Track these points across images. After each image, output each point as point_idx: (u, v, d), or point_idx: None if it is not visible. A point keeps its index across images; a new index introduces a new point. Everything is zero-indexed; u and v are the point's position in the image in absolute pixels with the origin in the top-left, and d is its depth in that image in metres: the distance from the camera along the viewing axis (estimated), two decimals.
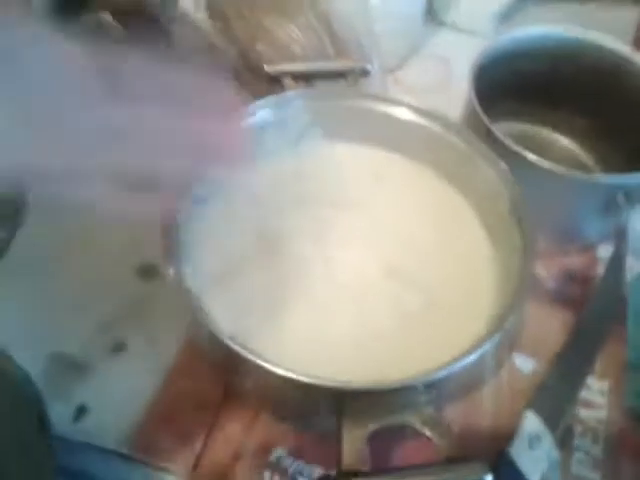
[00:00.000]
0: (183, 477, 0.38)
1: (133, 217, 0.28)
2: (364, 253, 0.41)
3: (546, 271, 0.48)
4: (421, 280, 0.40)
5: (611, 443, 0.40)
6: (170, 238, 0.36)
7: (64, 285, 0.45)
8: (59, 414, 0.34)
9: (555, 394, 0.40)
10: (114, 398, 0.40)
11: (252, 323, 0.36)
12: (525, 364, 0.43)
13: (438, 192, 0.45)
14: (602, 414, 0.41)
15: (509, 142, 0.42)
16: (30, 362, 0.33)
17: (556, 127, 0.56)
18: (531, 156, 0.42)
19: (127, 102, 0.26)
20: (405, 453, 0.37)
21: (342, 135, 0.46)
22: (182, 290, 0.34)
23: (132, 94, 0.26)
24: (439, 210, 0.44)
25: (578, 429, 0.41)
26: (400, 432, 0.33)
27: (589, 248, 0.50)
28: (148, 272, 0.46)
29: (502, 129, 0.43)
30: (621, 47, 0.49)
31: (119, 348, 0.43)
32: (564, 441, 0.39)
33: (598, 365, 0.43)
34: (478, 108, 0.44)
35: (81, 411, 0.40)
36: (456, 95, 0.48)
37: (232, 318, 0.35)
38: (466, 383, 0.40)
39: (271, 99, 0.44)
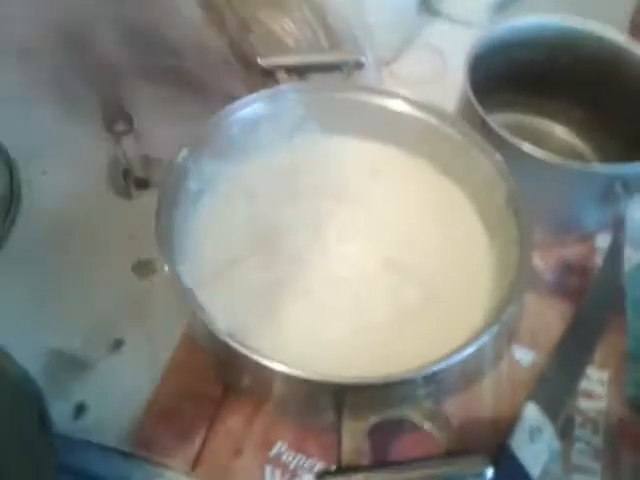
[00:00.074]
0: (184, 473, 0.38)
1: None
2: (361, 247, 0.41)
3: (544, 262, 0.48)
4: (419, 273, 0.40)
5: (611, 433, 0.40)
6: (165, 234, 0.36)
7: (61, 282, 0.45)
8: (58, 412, 0.34)
9: (555, 385, 0.40)
10: (113, 395, 0.40)
11: (250, 319, 0.36)
12: (524, 356, 0.43)
13: (434, 185, 0.45)
14: (602, 404, 0.41)
15: (504, 133, 0.42)
16: (28, 360, 0.33)
17: (552, 117, 0.56)
18: (527, 147, 0.42)
19: None
20: (405, 447, 0.37)
21: (337, 128, 0.46)
22: (178, 287, 0.34)
23: None
24: (435, 203, 0.44)
25: (578, 420, 0.41)
26: (399, 426, 0.33)
27: (587, 238, 0.49)
28: (145, 268, 0.46)
29: (497, 120, 0.43)
30: (619, 36, 0.49)
31: (118, 345, 0.42)
32: (564, 432, 0.39)
33: (598, 355, 0.43)
34: (473, 99, 0.44)
35: (80, 409, 0.40)
36: (451, 86, 0.48)
37: (230, 314, 0.35)
38: (465, 376, 0.40)
39: (265, 92, 0.44)
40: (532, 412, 0.38)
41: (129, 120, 0.53)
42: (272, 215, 0.42)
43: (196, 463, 0.38)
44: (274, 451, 0.39)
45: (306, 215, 0.42)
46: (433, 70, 0.61)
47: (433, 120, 0.44)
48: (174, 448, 0.38)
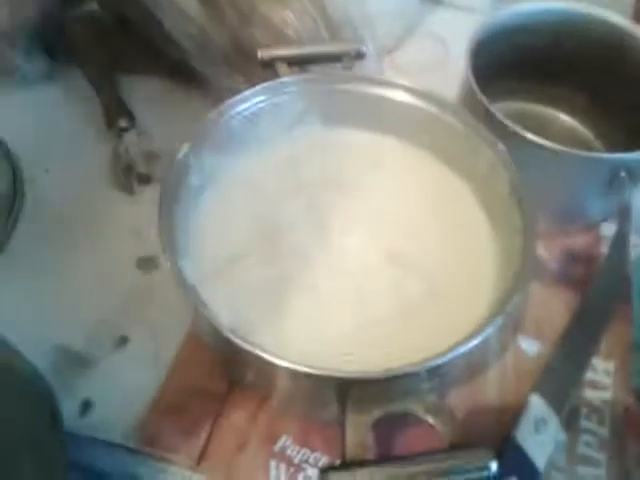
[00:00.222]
0: (189, 468, 0.38)
1: None
2: (363, 240, 0.41)
3: (548, 252, 0.47)
4: (422, 266, 0.40)
5: (617, 424, 0.40)
6: (167, 231, 0.36)
7: (65, 279, 0.45)
8: (65, 409, 0.35)
9: (560, 376, 0.40)
10: (119, 392, 0.40)
11: (253, 315, 0.36)
12: (530, 346, 0.43)
13: (437, 175, 0.44)
14: (608, 395, 0.41)
15: (508, 121, 0.42)
16: (34, 357, 0.33)
17: (555, 104, 0.55)
18: (530, 135, 0.41)
19: None
20: (409, 440, 0.37)
21: (338, 120, 0.46)
22: (180, 284, 0.33)
23: None
24: (438, 194, 0.44)
25: (584, 410, 0.40)
26: (403, 420, 0.33)
27: (591, 227, 0.49)
28: (149, 264, 0.46)
29: (500, 108, 0.43)
30: (624, 21, 0.48)
31: (122, 342, 0.43)
32: (570, 423, 0.39)
33: (603, 345, 0.43)
34: (475, 87, 0.43)
35: (86, 405, 0.40)
36: (453, 74, 0.47)
37: (233, 310, 0.35)
38: (470, 368, 0.40)
39: (265, 85, 0.43)
40: (537, 403, 0.37)
41: (131, 116, 0.52)
42: (274, 209, 0.42)
43: (201, 458, 0.38)
44: (279, 445, 0.39)
45: (308, 208, 0.42)
46: (435, 58, 0.61)
47: (434, 110, 0.44)
48: (179, 444, 0.38)
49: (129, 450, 0.38)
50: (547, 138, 0.41)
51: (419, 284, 0.39)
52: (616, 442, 0.39)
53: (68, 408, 0.39)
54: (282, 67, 0.45)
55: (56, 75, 0.58)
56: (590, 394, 0.41)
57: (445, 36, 0.63)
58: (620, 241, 0.43)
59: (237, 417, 0.39)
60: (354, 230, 0.42)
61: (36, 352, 0.33)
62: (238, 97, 0.42)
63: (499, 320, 0.33)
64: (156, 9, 0.49)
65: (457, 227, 0.42)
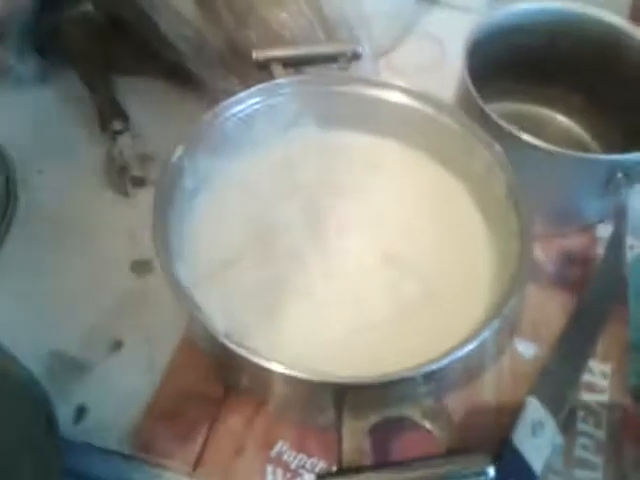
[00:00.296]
0: (185, 474, 0.38)
1: None
2: (360, 242, 0.41)
3: (544, 253, 0.47)
4: (418, 267, 0.40)
5: (614, 426, 0.40)
6: (161, 234, 0.36)
7: (59, 282, 0.45)
8: (60, 415, 0.34)
9: (557, 378, 0.40)
10: (114, 397, 0.40)
11: (248, 318, 0.36)
12: (526, 349, 0.43)
13: (433, 177, 0.44)
14: (605, 397, 0.41)
15: (504, 122, 0.42)
16: (28, 362, 0.33)
17: (552, 105, 0.55)
18: (526, 136, 0.41)
19: None
20: (406, 445, 0.37)
21: (333, 121, 0.46)
22: (174, 288, 0.33)
23: None
24: (434, 195, 0.43)
25: (581, 413, 0.40)
26: (400, 425, 0.33)
27: (588, 228, 0.49)
28: (143, 268, 0.46)
29: (496, 109, 0.42)
30: (620, 21, 0.48)
31: (117, 346, 0.42)
32: (567, 425, 0.39)
33: (600, 347, 0.43)
34: (471, 87, 0.43)
35: (81, 411, 0.39)
36: (450, 75, 0.47)
37: (228, 314, 0.35)
38: (466, 372, 0.40)
39: (260, 87, 0.43)
40: (534, 406, 0.37)
41: (125, 118, 0.52)
42: (269, 211, 0.42)
43: (197, 463, 0.37)
44: (275, 450, 0.38)
45: (303, 210, 0.42)
46: (431, 59, 0.60)
47: (430, 111, 0.43)
48: (175, 449, 0.38)
49: (124, 456, 0.38)
50: (543, 139, 0.41)
51: (415, 286, 0.39)
52: (613, 445, 0.39)
53: (63, 414, 0.38)
54: (277, 68, 0.45)
55: (50, 76, 0.57)
56: (587, 397, 0.41)
57: (441, 36, 0.63)
58: (616, 242, 0.43)
59: (233, 422, 0.39)
60: (350, 232, 0.41)
61: (30, 356, 0.33)
62: (233, 99, 0.42)
63: (495, 323, 0.33)
64: (152, 11, 0.49)
65: (453, 228, 0.42)
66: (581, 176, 0.44)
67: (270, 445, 0.38)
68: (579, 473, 0.38)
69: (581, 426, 0.40)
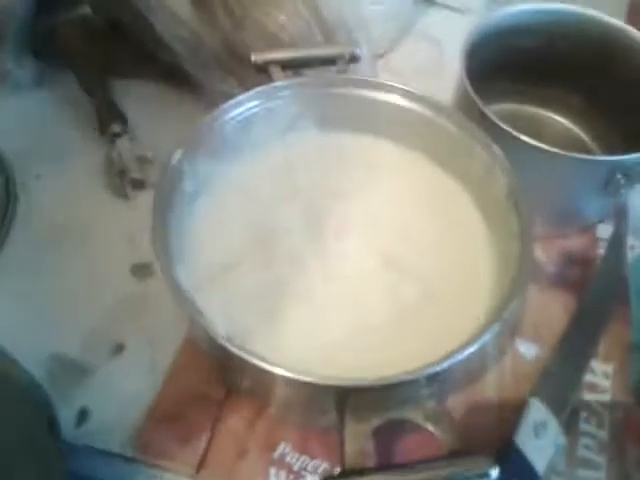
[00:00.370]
0: (188, 476, 0.38)
1: None
2: (360, 244, 0.41)
3: (545, 255, 0.47)
4: (418, 270, 0.40)
5: (616, 426, 0.40)
6: (161, 238, 0.35)
7: (59, 286, 0.45)
8: (62, 418, 0.34)
9: (559, 379, 0.40)
10: (115, 400, 0.40)
11: (249, 321, 0.36)
12: (528, 350, 0.43)
13: (432, 179, 0.44)
14: (607, 397, 0.41)
15: (503, 124, 0.42)
16: (29, 366, 0.33)
17: (551, 106, 0.55)
18: (525, 137, 0.41)
19: None
20: (408, 447, 0.37)
21: (332, 124, 0.46)
22: (174, 290, 0.33)
23: None
24: (434, 197, 0.43)
25: (583, 414, 0.40)
26: (402, 427, 0.33)
27: (588, 229, 0.49)
28: (143, 271, 0.46)
29: (495, 110, 0.42)
30: (619, 22, 0.48)
31: (118, 349, 0.42)
32: (569, 426, 0.39)
33: (602, 347, 0.43)
34: (470, 89, 0.43)
35: (83, 414, 0.39)
36: (448, 76, 0.47)
37: (228, 317, 0.35)
38: (468, 374, 0.40)
39: (259, 90, 0.43)
40: (536, 407, 0.37)
41: (123, 121, 0.52)
42: (268, 214, 0.41)
43: (200, 466, 0.38)
44: (278, 452, 0.38)
45: (303, 213, 0.42)
46: (430, 60, 0.60)
47: (429, 113, 0.43)
48: (178, 451, 0.38)
49: (127, 459, 0.38)
50: (542, 140, 0.41)
51: (415, 288, 0.39)
52: (616, 445, 0.39)
53: (65, 417, 0.38)
54: (276, 71, 0.45)
55: (48, 80, 0.58)
56: (589, 397, 0.41)
57: (439, 38, 0.63)
58: (617, 242, 0.43)
59: (235, 424, 0.39)
60: (350, 234, 0.41)
61: (32, 360, 0.33)
62: (232, 102, 0.42)
63: (497, 326, 0.33)
64: (148, 12, 0.49)
65: (453, 230, 0.42)
66: (581, 177, 0.44)
67: (272, 447, 0.38)
68: (582, 473, 0.38)
69: (583, 426, 0.40)
